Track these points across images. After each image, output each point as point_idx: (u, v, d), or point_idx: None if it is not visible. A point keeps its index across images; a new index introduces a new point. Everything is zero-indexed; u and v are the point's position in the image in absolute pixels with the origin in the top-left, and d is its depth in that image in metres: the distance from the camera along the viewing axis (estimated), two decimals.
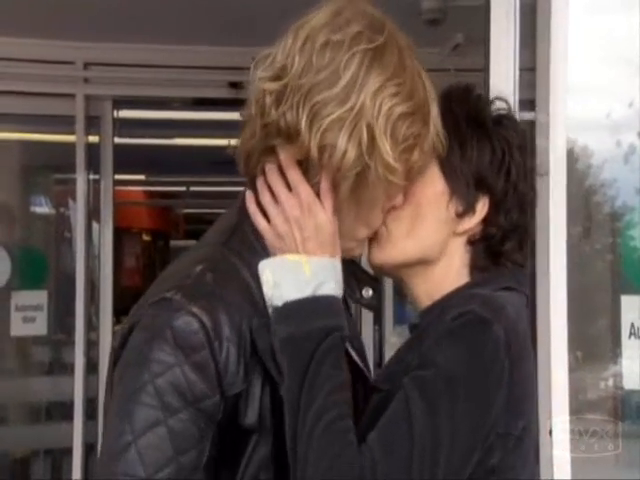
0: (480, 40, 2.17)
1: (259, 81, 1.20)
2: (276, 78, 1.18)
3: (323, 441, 1.09)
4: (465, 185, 1.27)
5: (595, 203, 2.71)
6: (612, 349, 2.66)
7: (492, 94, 1.46)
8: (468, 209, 1.28)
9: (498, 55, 2.11)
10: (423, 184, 1.27)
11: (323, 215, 1.19)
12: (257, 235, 1.24)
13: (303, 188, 1.19)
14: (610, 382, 2.75)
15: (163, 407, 1.09)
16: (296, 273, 1.17)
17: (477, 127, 1.29)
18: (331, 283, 1.18)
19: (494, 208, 1.28)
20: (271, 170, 1.22)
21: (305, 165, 1.20)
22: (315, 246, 1.19)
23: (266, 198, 1.22)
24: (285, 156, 1.20)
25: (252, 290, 1.19)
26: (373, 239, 1.29)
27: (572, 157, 2.42)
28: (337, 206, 1.21)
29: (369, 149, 1.15)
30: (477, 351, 1.15)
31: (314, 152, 1.16)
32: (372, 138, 1.15)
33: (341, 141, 1.14)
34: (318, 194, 1.20)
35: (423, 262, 1.29)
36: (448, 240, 1.29)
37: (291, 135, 1.17)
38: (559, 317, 2.18)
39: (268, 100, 1.18)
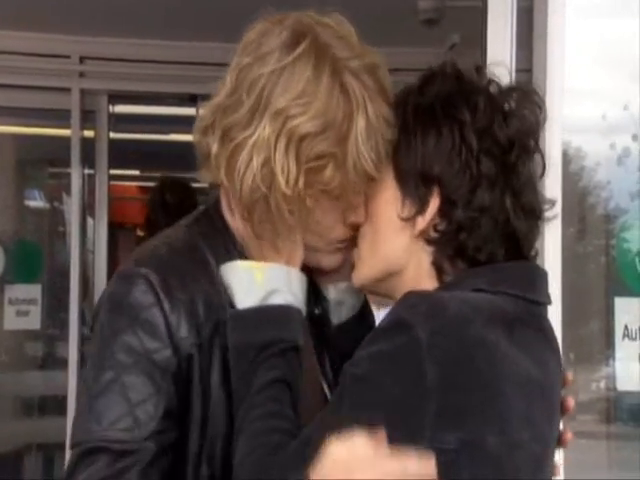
0: (477, 40, 2.16)
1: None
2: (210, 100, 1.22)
3: (243, 440, 1.10)
4: (414, 183, 1.16)
5: (589, 205, 2.71)
6: (605, 351, 2.67)
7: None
8: (420, 208, 1.16)
9: (494, 56, 2.10)
10: (376, 193, 1.20)
11: None
12: (223, 219, 1.27)
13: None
14: (603, 384, 2.76)
15: (117, 366, 1.13)
16: (248, 280, 1.17)
17: (425, 115, 1.16)
18: (284, 292, 1.18)
19: (445, 200, 1.15)
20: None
21: None
22: (271, 251, 1.20)
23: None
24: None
25: (211, 268, 1.21)
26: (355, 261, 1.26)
27: (566, 159, 2.42)
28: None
29: (265, 178, 1.13)
30: (389, 356, 1.03)
31: (223, 178, 1.17)
32: (270, 167, 1.12)
33: (239, 169, 1.14)
34: None
35: (393, 274, 1.21)
36: (411, 245, 1.18)
37: (208, 159, 1.20)
38: (553, 318, 2.17)
39: (199, 125, 1.22)
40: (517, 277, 1.17)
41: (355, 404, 1.04)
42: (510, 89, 1.22)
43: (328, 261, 1.28)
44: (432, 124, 1.16)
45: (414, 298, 1.09)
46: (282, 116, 1.12)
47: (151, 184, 9.81)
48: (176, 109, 5.30)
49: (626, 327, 2.51)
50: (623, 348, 2.57)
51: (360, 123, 1.13)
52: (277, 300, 1.17)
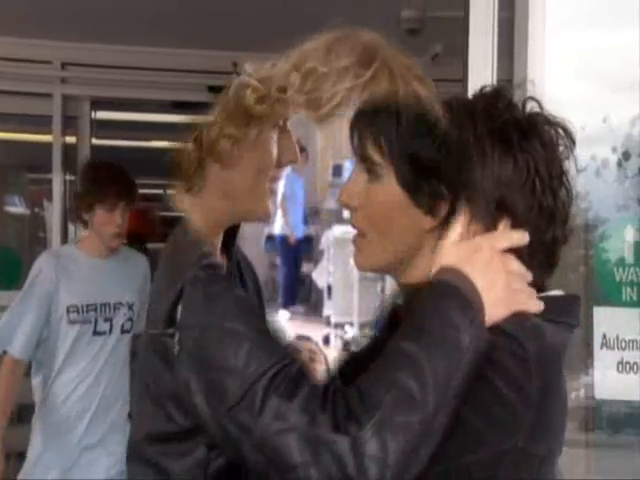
0: (458, 50, 2.18)
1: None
2: (261, 82, 1.24)
3: None
4: (485, 206, 1.19)
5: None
6: (584, 359, 2.68)
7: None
8: (488, 229, 1.20)
9: (476, 66, 2.12)
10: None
11: None
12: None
13: None
14: (582, 392, 2.77)
15: (242, 322, 1.15)
16: None
17: (500, 142, 1.19)
18: None
19: (513, 227, 1.20)
20: None
21: None
22: None
23: None
24: None
25: None
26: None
27: None
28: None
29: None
30: (500, 361, 1.16)
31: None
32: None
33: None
34: None
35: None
36: None
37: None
38: None
39: (254, 95, 1.25)
40: (572, 308, 1.25)
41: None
42: (549, 122, 1.25)
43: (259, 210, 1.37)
44: (509, 152, 1.19)
45: (519, 316, 1.16)
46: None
47: None
48: (158, 116, 5.30)
49: (604, 336, 2.52)
50: (602, 357, 2.59)
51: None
52: None
